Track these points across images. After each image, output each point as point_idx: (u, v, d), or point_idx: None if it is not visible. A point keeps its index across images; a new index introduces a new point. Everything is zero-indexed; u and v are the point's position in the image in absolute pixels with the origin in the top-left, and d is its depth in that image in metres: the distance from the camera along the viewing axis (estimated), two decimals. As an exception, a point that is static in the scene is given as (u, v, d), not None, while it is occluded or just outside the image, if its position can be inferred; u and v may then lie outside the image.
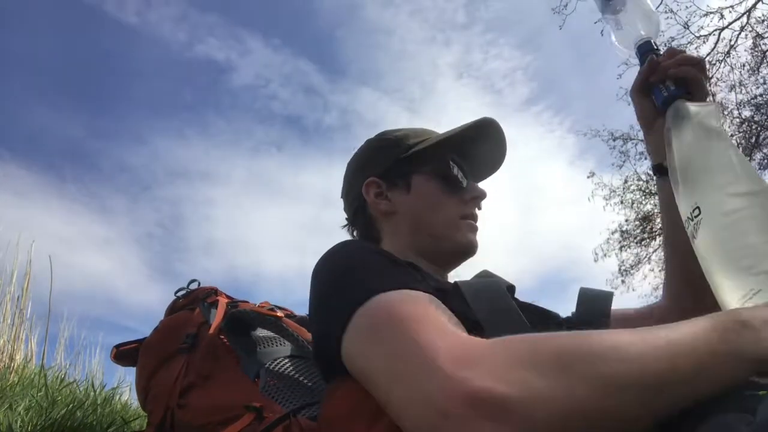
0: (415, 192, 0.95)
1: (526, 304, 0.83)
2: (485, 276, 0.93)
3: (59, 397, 1.67)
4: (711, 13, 8.00)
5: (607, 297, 0.86)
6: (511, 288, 0.83)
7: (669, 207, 0.85)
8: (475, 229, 0.97)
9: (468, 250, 0.95)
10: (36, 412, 1.45)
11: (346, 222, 1.05)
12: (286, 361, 0.93)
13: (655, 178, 0.90)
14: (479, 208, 0.99)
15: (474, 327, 0.61)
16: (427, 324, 0.55)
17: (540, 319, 0.78)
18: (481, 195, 0.99)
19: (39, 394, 1.69)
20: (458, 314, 0.62)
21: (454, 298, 0.68)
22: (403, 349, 0.53)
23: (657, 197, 0.95)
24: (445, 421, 0.46)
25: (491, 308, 0.68)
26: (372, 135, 1.04)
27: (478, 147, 1.00)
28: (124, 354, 1.03)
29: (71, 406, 1.48)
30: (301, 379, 0.90)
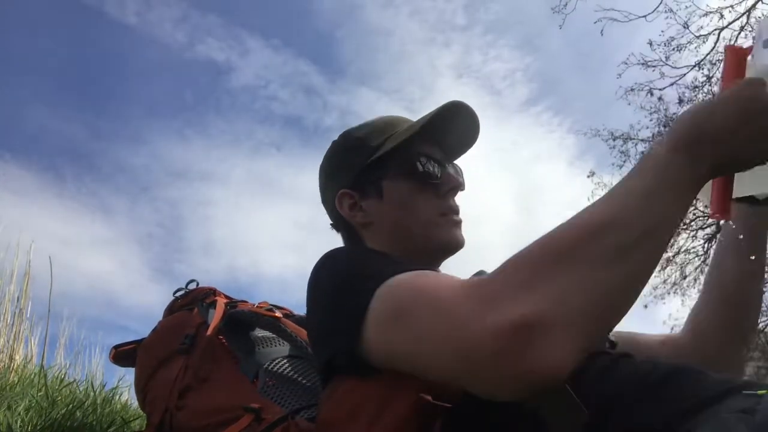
0: (388, 198, 0.90)
1: None
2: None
3: (59, 397, 1.67)
4: (711, 12, 8.01)
5: None
6: None
7: (726, 251, 0.86)
8: (458, 223, 0.92)
9: (454, 246, 0.92)
10: (36, 412, 1.45)
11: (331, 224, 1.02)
12: (285, 361, 0.92)
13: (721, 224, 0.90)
14: (462, 189, 0.95)
15: None
16: (443, 284, 0.58)
17: None
18: (457, 186, 0.94)
19: (39, 394, 1.69)
20: None
21: None
22: (431, 310, 0.56)
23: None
24: (498, 358, 0.49)
25: None
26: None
27: (447, 131, 0.95)
28: (122, 355, 1.03)
29: (71, 406, 1.48)
30: (299, 379, 0.90)
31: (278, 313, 0.97)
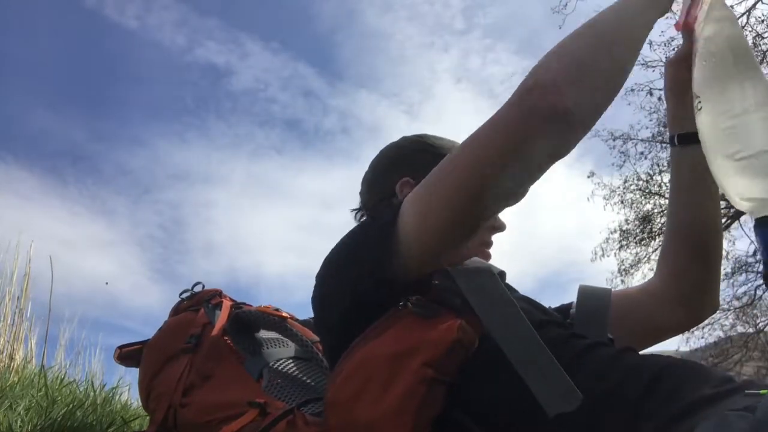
0: None
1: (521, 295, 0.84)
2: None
3: (59, 397, 1.67)
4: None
5: (606, 294, 0.86)
6: (501, 274, 0.81)
7: (680, 180, 0.89)
8: (488, 257, 0.95)
9: None
10: (36, 411, 1.45)
11: (358, 207, 1.06)
12: (290, 361, 0.93)
13: (671, 148, 0.92)
14: (501, 230, 0.98)
15: (462, 306, 0.66)
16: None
17: (536, 308, 0.79)
18: (501, 227, 0.98)
19: (39, 394, 1.69)
20: (444, 291, 0.67)
21: (442, 278, 0.70)
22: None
23: (667, 178, 0.94)
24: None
25: (479, 287, 0.69)
26: (372, 138, 1.04)
27: None
28: (127, 354, 1.03)
29: (71, 406, 1.48)
30: (304, 379, 0.90)
31: (285, 314, 0.98)
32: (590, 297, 0.85)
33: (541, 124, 0.63)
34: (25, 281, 2.75)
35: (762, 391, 0.49)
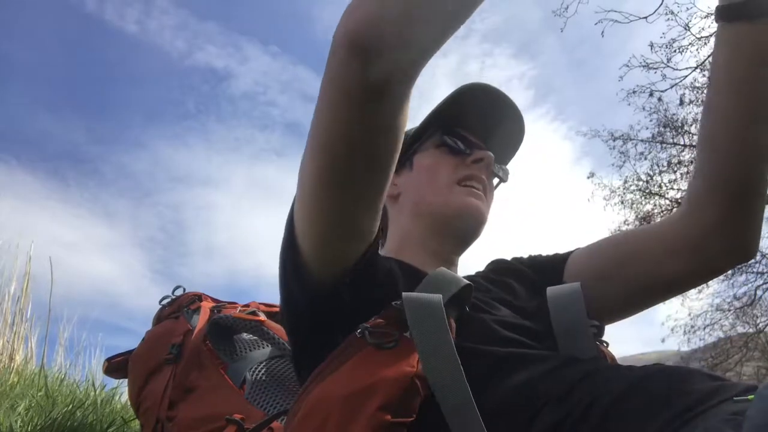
0: (417, 167, 0.91)
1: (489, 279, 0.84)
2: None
3: (59, 397, 1.67)
4: (712, 14, 8.00)
5: (574, 294, 0.76)
6: (463, 293, 0.68)
7: (728, 61, 0.76)
8: (473, 193, 0.87)
9: (464, 213, 0.86)
10: (36, 411, 1.45)
11: None
12: (272, 362, 0.92)
13: (718, 25, 0.77)
14: (492, 164, 0.90)
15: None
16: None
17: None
18: (484, 157, 0.89)
19: (39, 394, 1.70)
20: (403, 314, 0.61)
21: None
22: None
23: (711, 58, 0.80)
24: None
25: (423, 325, 0.61)
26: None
27: (472, 112, 0.91)
28: (114, 367, 1.02)
29: (71, 406, 1.49)
30: (283, 380, 0.90)
31: (261, 316, 0.95)
32: (561, 302, 0.75)
33: (342, 55, 0.60)
34: (26, 282, 2.76)
35: (750, 397, 0.49)
